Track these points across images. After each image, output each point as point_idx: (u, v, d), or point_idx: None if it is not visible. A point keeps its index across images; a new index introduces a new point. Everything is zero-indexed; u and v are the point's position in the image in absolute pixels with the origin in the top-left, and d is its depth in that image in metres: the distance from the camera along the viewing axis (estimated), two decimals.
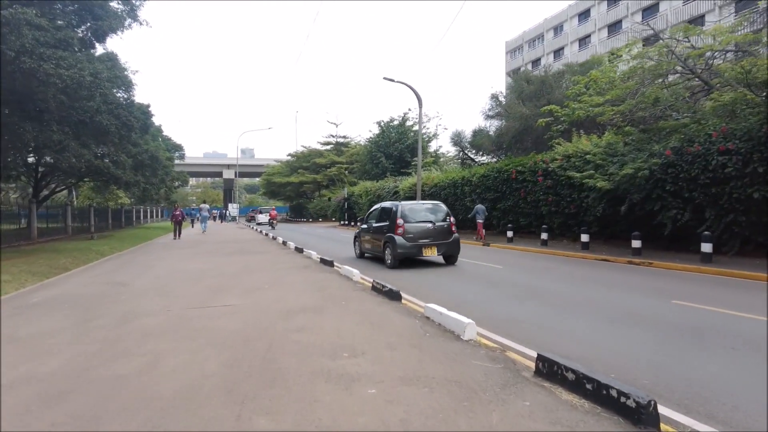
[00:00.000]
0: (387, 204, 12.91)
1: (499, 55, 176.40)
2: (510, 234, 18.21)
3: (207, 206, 33.44)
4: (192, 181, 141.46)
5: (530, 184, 18.38)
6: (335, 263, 11.01)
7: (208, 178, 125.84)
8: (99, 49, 23.03)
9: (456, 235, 12.13)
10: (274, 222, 38.60)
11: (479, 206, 19.47)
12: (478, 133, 28.48)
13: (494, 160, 27.48)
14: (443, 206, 12.60)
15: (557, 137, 18.14)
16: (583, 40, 53.94)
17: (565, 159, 16.37)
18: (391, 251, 11.30)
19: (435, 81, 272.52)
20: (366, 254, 13.65)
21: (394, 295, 6.78)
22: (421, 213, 12.04)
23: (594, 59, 23.91)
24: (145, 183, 36.05)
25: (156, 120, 59.58)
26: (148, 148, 31.06)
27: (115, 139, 20.56)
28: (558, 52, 57.78)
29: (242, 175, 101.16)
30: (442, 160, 41.00)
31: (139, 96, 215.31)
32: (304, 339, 4.53)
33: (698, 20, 37.18)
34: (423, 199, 25.68)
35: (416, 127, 46.26)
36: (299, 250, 14.40)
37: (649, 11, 42.91)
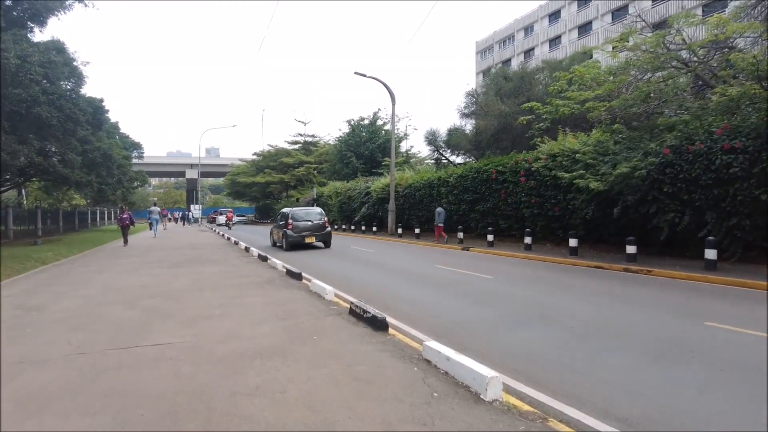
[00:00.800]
0: (285, 210, 19.14)
1: (469, 55, 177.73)
2: (491, 238, 17.14)
3: (158, 208, 31.57)
4: (154, 181, 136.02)
5: (511, 185, 17.38)
6: (303, 275, 9.59)
7: (171, 179, 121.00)
8: (43, 36, 20.62)
9: (328, 228, 18.43)
10: (230, 223, 41.57)
11: (439, 209, 19.98)
12: (453, 132, 27.42)
13: (470, 160, 26.50)
14: (319, 209, 19.47)
15: (539, 136, 17.20)
16: (554, 41, 54.06)
17: (551, 158, 15.41)
18: (285, 240, 17.32)
19: (405, 81, 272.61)
20: (276, 243, 18.88)
21: (378, 324, 5.40)
22: (305, 214, 18.29)
23: (576, 54, 23.19)
24: (99, 183, 33.43)
25: (113, 116, 56.24)
26: (101, 146, 28.52)
27: (58, 133, 18.30)
28: (528, 53, 57.77)
29: (206, 175, 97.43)
30: (413, 160, 39.93)
31: (94, 91, 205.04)
32: (258, 414, 3.10)
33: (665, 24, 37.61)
34: (397, 197, 24.48)
35: (387, 126, 45.02)
36: (263, 258, 12.83)
37: (619, 13, 43.09)
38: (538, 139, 17.08)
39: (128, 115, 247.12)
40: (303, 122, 65.18)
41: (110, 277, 9.61)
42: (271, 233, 19.98)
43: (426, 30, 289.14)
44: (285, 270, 10.12)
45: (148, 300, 7.19)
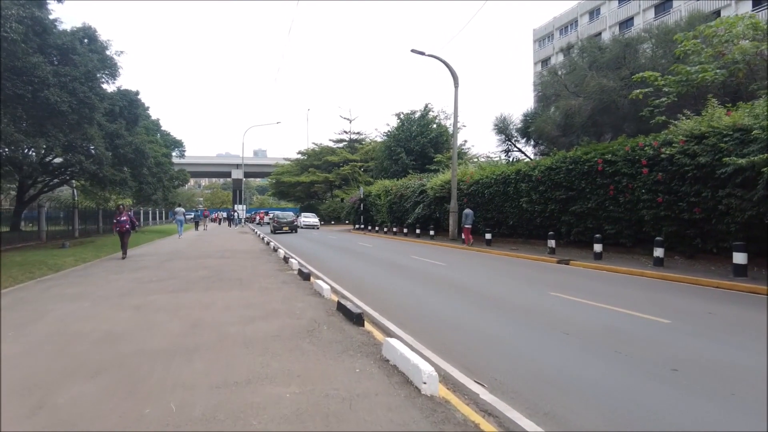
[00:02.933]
0: (278, 213, 35.92)
1: (525, 45, 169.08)
2: (598, 248, 13.08)
3: (182, 209, 30.72)
4: (204, 182, 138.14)
5: (625, 179, 13.24)
6: (367, 313, 6.12)
7: (220, 180, 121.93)
8: (63, 11, 18.17)
9: (296, 223, 33.81)
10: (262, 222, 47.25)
11: (467, 211, 19.13)
12: (532, 117, 23.08)
13: (549, 151, 22.22)
14: (292, 213, 36.99)
15: (660, 113, 13.00)
16: (625, 24, 48.42)
17: (694, 141, 11.18)
18: (272, 228, 31.97)
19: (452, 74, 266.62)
20: (276, 232, 31.29)
21: None
22: (284, 216, 33.74)
23: (694, 16, 18.47)
24: (137, 182, 31.57)
25: (154, 113, 55.21)
26: (133, 140, 26.36)
27: (72, 121, 15.75)
28: (594, 38, 52.05)
29: (252, 175, 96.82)
30: (466, 156, 35.69)
31: (144, 93, 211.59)
32: None
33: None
34: (459, 196, 20.72)
35: (440, 119, 41.38)
36: (304, 276, 9.43)
37: None
38: (661, 118, 12.87)
39: (173, 116, 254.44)
40: (348, 119, 62.02)
41: (76, 310, 6.41)
42: (269, 224, 37.27)
43: (475, 22, 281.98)
44: (337, 302, 6.59)
45: (80, 385, 3.80)
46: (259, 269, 10.95)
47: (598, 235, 13.29)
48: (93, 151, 22.29)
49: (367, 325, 5.61)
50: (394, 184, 30.67)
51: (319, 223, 41.31)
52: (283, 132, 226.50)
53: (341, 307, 6.20)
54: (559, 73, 21.81)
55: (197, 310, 6.24)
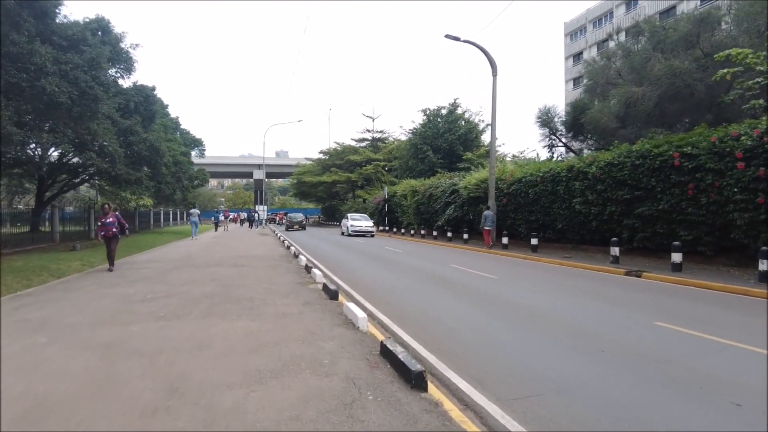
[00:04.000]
0: (291, 214, 45.10)
1: (556, 39, 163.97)
2: (677, 257, 10.93)
3: (197, 210, 29.29)
4: (227, 182, 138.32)
5: (710, 176, 11.04)
6: (428, 364, 4.27)
7: (242, 180, 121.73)
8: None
9: (304, 221, 42.86)
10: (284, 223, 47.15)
11: (488, 212, 18.60)
12: (581, 109, 20.67)
13: (599, 145, 19.95)
14: (301, 214, 45.86)
15: (751, 97, 10.76)
16: (666, 13, 45.35)
17: None
18: (286, 226, 40.76)
19: (474, 75, 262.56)
20: (288, 229, 38.80)
21: None
22: (295, 216, 43.00)
23: None
24: (154, 181, 30.42)
25: (173, 111, 53.94)
26: (147, 137, 25.05)
27: (74, 114, 14.28)
28: (631, 30, 48.99)
29: (274, 175, 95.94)
30: (496, 155, 33.34)
31: (163, 94, 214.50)
32: None
33: None
34: (498, 196, 18.67)
35: (469, 116, 39.18)
36: (330, 294, 7.60)
37: None
38: (758, 102, 10.64)
39: (196, 119, 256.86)
40: (371, 117, 60.12)
41: (20, 352, 4.70)
42: (282, 223, 46.87)
43: (502, 17, 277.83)
44: (381, 345, 4.70)
45: None
46: (277, 283, 9.18)
47: (676, 243, 11.12)
48: (107, 149, 20.98)
49: (433, 389, 3.72)
50: (421, 184, 28.72)
51: (374, 229, 30.50)
52: (305, 132, 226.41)
53: (388, 355, 4.33)
54: (612, 60, 19.34)
55: (184, 357, 4.44)
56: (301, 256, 13.80)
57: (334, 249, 19.96)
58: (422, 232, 27.10)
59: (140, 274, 10.64)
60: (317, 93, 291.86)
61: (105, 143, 20.46)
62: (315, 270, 10.18)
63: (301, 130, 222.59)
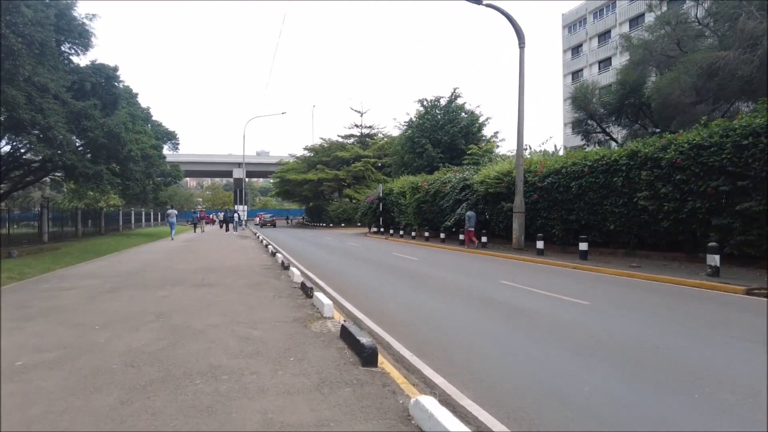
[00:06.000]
0: (265, 215, 56.93)
1: (552, 31, 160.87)
2: None
3: (174, 211, 27.82)
4: (206, 182, 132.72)
5: None
6: None
7: (222, 180, 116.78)
8: None
9: (274, 220, 56.19)
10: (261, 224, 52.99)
11: (470, 213, 18.27)
12: (632, 84, 17.27)
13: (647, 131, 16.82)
14: (271, 214, 61.89)
15: None
16: (674, 3, 43.03)
17: None
18: (260, 225, 51.61)
19: (469, 74, 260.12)
20: (263, 227, 49.62)
21: None
22: (266, 216, 56.17)
23: None
24: (115, 176, 26.45)
25: (143, 101, 49.15)
26: (106, 122, 21.13)
27: None
28: (637, 20, 46.77)
29: (255, 174, 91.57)
30: (495, 153, 29.99)
31: (137, 86, 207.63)
32: None
33: None
34: (526, 191, 15.42)
35: (470, 107, 36.00)
36: (365, 357, 4.19)
37: None
38: None
39: (174, 119, 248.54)
40: (359, 112, 56.67)
41: None
42: (254, 221, 54.39)
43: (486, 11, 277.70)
44: None
45: None
46: (263, 321, 5.68)
47: None
48: (51, 133, 17.08)
49: None
50: (424, 180, 25.39)
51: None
52: (287, 130, 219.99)
53: None
54: (669, 26, 16.14)
55: None
56: (292, 268, 10.29)
57: (328, 255, 16.50)
58: (426, 234, 23.77)
59: (52, 302, 7.00)
60: (299, 89, 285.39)
61: (50, 123, 16.55)
62: (319, 295, 6.72)
63: (283, 128, 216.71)
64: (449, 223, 21.41)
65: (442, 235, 21.95)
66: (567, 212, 14.90)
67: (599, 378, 3.99)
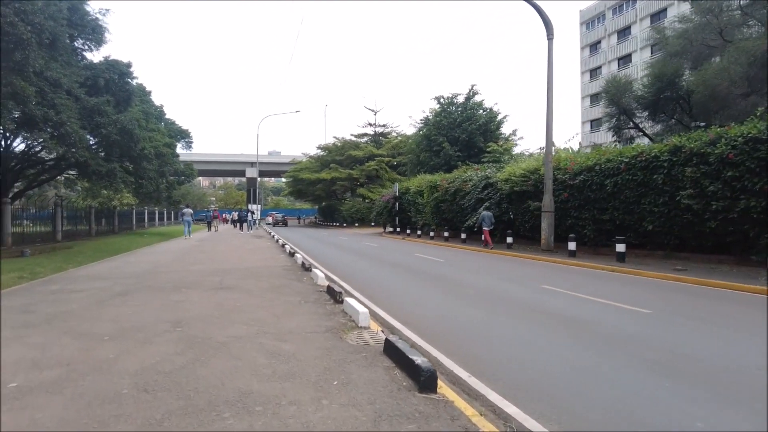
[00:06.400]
0: (276, 214, 60.17)
1: (569, 29, 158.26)
2: None
3: (190, 210, 26.40)
4: (219, 181, 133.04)
5: None
6: None
7: (234, 179, 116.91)
8: None
9: (285, 219, 60.64)
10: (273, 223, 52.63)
11: (486, 213, 17.96)
12: (669, 77, 16.28)
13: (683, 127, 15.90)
14: (282, 213, 65.57)
15: None
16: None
17: None
18: (272, 224, 51.03)
19: (486, 74, 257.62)
20: (275, 225, 50.74)
21: None
22: (277, 215, 59.17)
23: None
24: (129, 174, 26.10)
25: (157, 99, 49.14)
26: (118, 119, 20.73)
27: None
28: (658, 16, 45.46)
29: (267, 174, 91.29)
30: (511, 153, 29.07)
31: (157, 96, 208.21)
32: None
33: None
34: (555, 189, 14.59)
35: (489, 106, 35.18)
36: (411, 372, 3.55)
37: None
38: None
39: (188, 119, 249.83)
40: (373, 110, 56.08)
41: None
42: (267, 220, 52.09)
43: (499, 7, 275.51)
44: None
45: None
46: (293, 333, 5.03)
47: None
48: (65, 129, 16.68)
49: None
50: (443, 178, 24.65)
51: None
52: (299, 130, 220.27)
53: None
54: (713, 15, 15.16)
55: None
56: (315, 270, 9.66)
57: (346, 255, 15.89)
58: (445, 234, 23.03)
59: (59, 307, 6.43)
60: (313, 88, 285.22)
61: (63, 119, 16.13)
62: (351, 301, 6.05)
63: (295, 128, 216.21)
64: (470, 223, 20.66)
65: (463, 236, 21.19)
66: (600, 212, 14.07)
67: (706, 409, 3.26)
